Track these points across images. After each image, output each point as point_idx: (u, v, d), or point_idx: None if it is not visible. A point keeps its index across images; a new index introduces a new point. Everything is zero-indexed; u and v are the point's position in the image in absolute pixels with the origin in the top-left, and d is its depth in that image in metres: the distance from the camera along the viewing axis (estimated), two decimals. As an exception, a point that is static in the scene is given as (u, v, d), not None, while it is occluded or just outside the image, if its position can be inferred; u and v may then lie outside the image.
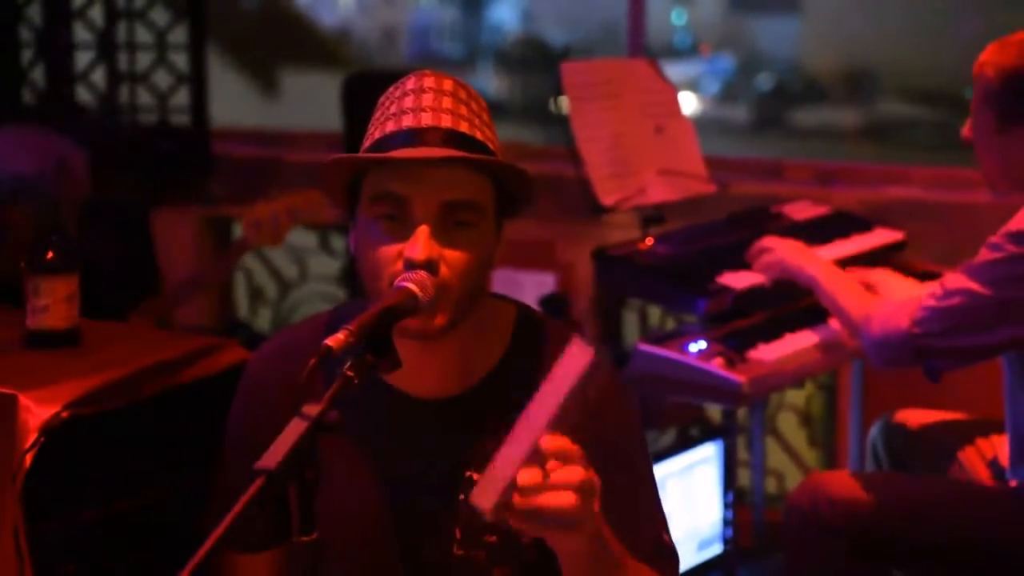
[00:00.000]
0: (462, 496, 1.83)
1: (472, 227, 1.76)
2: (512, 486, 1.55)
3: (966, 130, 2.89)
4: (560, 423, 1.57)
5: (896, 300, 2.88)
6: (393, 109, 1.79)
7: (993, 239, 2.74)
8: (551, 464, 1.55)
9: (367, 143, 1.81)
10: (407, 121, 1.76)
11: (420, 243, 1.72)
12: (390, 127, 1.78)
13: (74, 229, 3.47)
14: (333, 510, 1.82)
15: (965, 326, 2.75)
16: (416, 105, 1.77)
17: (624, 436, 1.87)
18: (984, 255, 2.75)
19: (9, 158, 3.45)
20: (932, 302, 2.78)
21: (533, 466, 1.55)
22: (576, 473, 1.56)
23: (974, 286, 2.74)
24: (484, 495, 1.55)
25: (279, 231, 3.50)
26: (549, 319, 1.96)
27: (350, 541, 1.87)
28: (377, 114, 1.82)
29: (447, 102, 1.78)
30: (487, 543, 1.82)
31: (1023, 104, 2.77)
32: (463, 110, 1.78)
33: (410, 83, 1.80)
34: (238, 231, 5.21)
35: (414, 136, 1.75)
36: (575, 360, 1.59)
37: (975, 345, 2.77)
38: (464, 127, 1.77)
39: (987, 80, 2.81)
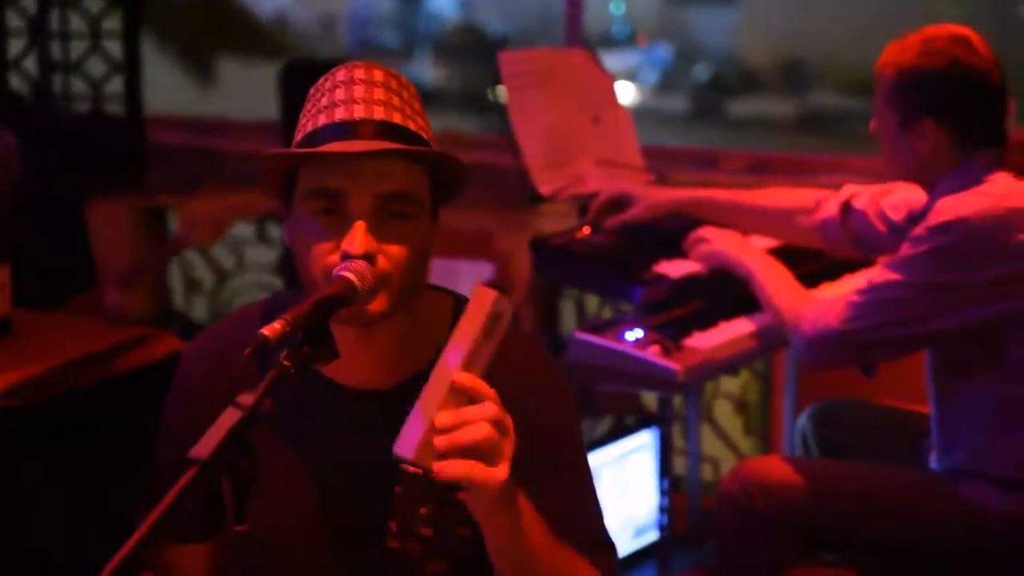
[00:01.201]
0: (398, 488, 1.83)
1: (408, 218, 1.76)
2: (432, 429, 1.60)
3: (871, 127, 2.94)
4: (473, 363, 1.63)
5: (824, 299, 2.91)
6: (324, 101, 1.78)
7: (916, 232, 2.78)
8: (464, 407, 1.60)
9: (299, 136, 1.80)
10: (339, 114, 1.76)
11: (357, 237, 1.72)
12: (322, 120, 1.77)
13: (7, 216, 3.43)
14: (268, 502, 1.81)
15: (893, 320, 2.78)
16: (348, 97, 1.77)
17: (559, 428, 1.87)
18: (907, 249, 2.78)
19: None
20: (858, 298, 2.81)
21: (449, 407, 1.60)
22: (488, 409, 1.60)
23: (899, 278, 2.77)
24: (406, 443, 1.60)
25: (215, 230, 3.48)
26: None
27: (286, 534, 1.86)
28: (308, 106, 1.81)
29: (379, 93, 1.77)
30: (422, 536, 1.82)
31: (922, 101, 2.81)
32: (395, 100, 1.78)
33: (340, 75, 1.79)
34: (174, 221, 5.18)
35: (347, 129, 1.75)
36: (480, 301, 1.64)
37: (903, 337, 2.81)
38: (397, 117, 1.77)
39: (887, 80, 2.85)
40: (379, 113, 1.76)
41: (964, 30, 2.85)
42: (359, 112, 1.76)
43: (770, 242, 3.39)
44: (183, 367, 1.95)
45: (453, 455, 1.59)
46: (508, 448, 1.62)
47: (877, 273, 2.83)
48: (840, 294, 2.89)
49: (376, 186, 1.74)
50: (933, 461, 2.96)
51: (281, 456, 1.85)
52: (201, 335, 1.99)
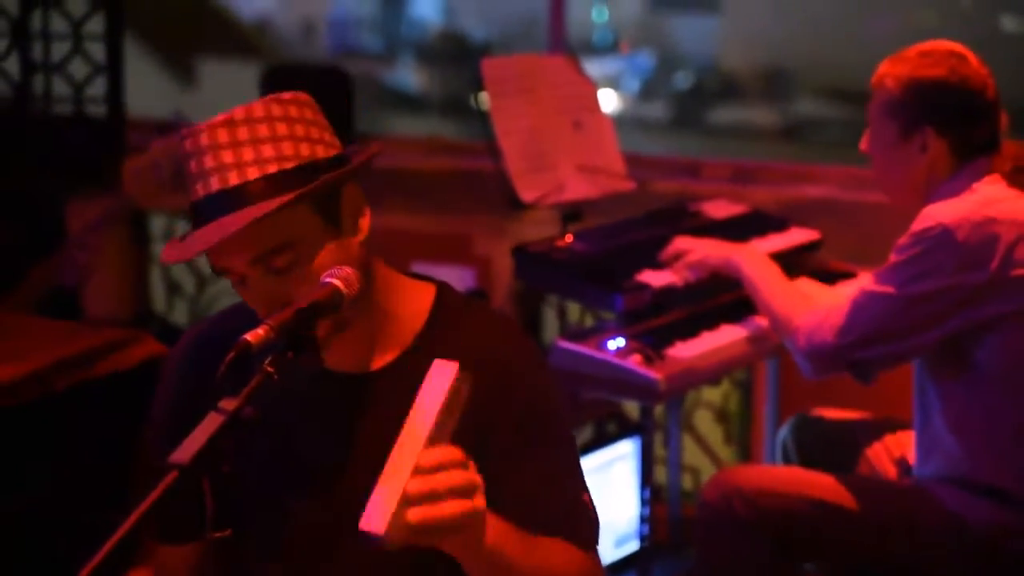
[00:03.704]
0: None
1: (290, 264, 1.75)
2: (402, 501, 1.56)
3: (864, 143, 2.94)
4: (437, 438, 1.61)
5: (819, 310, 2.90)
6: (190, 170, 1.76)
7: (901, 241, 2.79)
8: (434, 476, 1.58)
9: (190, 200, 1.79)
10: (200, 190, 1.75)
11: (260, 308, 1.73)
12: (192, 194, 1.76)
13: None
14: (256, 490, 1.82)
15: (882, 334, 2.80)
16: (199, 170, 1.74)
17: (537, 405, 1.88)
18: (893, 258, 2.80)
19: None
20: (850, 309, 2.82)
21: (417, 477, 1.57)
22: (458, 477, 1.59)
23: (885, 290, 2.78)
24: (375, 519, 1.55)
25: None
26: (470, 297, 1.99)
27: (275, 520, 1.87)
28: (184, 164, 1.78)
29: (226, 156, 1.73)
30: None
31: (923, 109, 2.83)
32: (246, 153, 1.74)
33: (188, 144, 1.76)
34: (154, 222, 5.17)
35: (206, 209, 1.74)
36: (441, 375, 1.64)
37: (893, 351, 2.82)
38: (252, 172, 1.73)
39: (887, 91, 2.86)
40: (234, 178, 1.73)
41: (958, 45, 2.87)
42: (215, 184, 1.73)
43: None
44: (173, 358, 1.96)
45: (429, 531, 1.58)
46: (480, 504, 1.62)
47: (867, 282, 2.84)
48: (835, 302, 2.89)
49: (246, 255, 1.74)
50: (915, 469, 2.97)
51: (267, 441, 1.85)
52: (195, 326, 2.00)
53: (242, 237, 1.70)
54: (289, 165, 1.74)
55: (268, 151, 1.74)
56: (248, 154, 1.73)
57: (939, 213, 2.76)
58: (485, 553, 1.69)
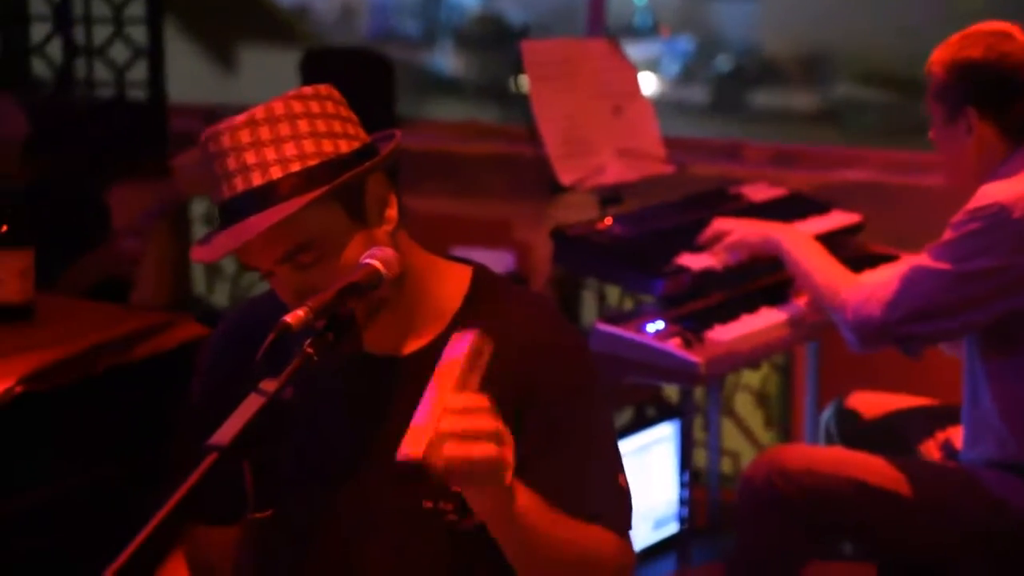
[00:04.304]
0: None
1: (317, 259, 1.76)
2: (437, 436, 1.57)
3: (932, 133, 2.95)
4: (464, 389, 1.62)
5: (867, 285, 2.90)
6: (215, 172, 1.77)
7: (956, 218, 2.79)
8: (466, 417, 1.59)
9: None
10: (225, 191, 1.76)
11: (290, 303, 1.73)
12: (217, 195, 1.77)
13: (15, 168, 3.40)
14: (290, 472, 1.83)
15: (931, 310, 2.79)
16: (223, 171, 1.76)
17: (574, 385, 1.87)
18: (948, 234, 2.79)
19: None
20: (900, 284, 2.81)
21: (451, 416, 1.58)
22: (488, 422, 1.59)
23: (938, 266, 2.78)
24: (413, 445, 1.56)
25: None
26: (507, 279, 1.99)
27: (309, 502, 1.88)
28: (209, 166, 1.79)
29: (249, 156, 1.75)
30: (455, 494, 1.83)
31: (962, 90, 2.84)
32: (269, 152, 1.75)
33: (211, 146, 1.77)
34: (195, 207, 5.19)
35: (231, 210, 1.75)
36: (462, 340, 1.66)
37: (942, 328, 2.81)
38: (275, 172, 1.74)
39: (935, 77, 2.89)
40: (257, 178, 1.74)
41: (1004, 24, 2.87)
42: (239, 185, 1.75)
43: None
44: (208, 346, 1.98)
45: (461, 468, 1.58)
46: (508, 456, 1.62)
47: (919, 259, 2.83)
48: (884, 278, 2.89)
49: (272, 253, 1.75)
50: (961, 453, 2.96)
51: (308, 423, 1.86)
52: (226, 316, 2.01)
53: (267, 237, 1.72)
54: (312, 162, 1.75)
55: (290, 149, 1.75)
56: (270, 154, 1.75)
57: (995, 192, 2.76)
58: (513, 516, 1.69)
